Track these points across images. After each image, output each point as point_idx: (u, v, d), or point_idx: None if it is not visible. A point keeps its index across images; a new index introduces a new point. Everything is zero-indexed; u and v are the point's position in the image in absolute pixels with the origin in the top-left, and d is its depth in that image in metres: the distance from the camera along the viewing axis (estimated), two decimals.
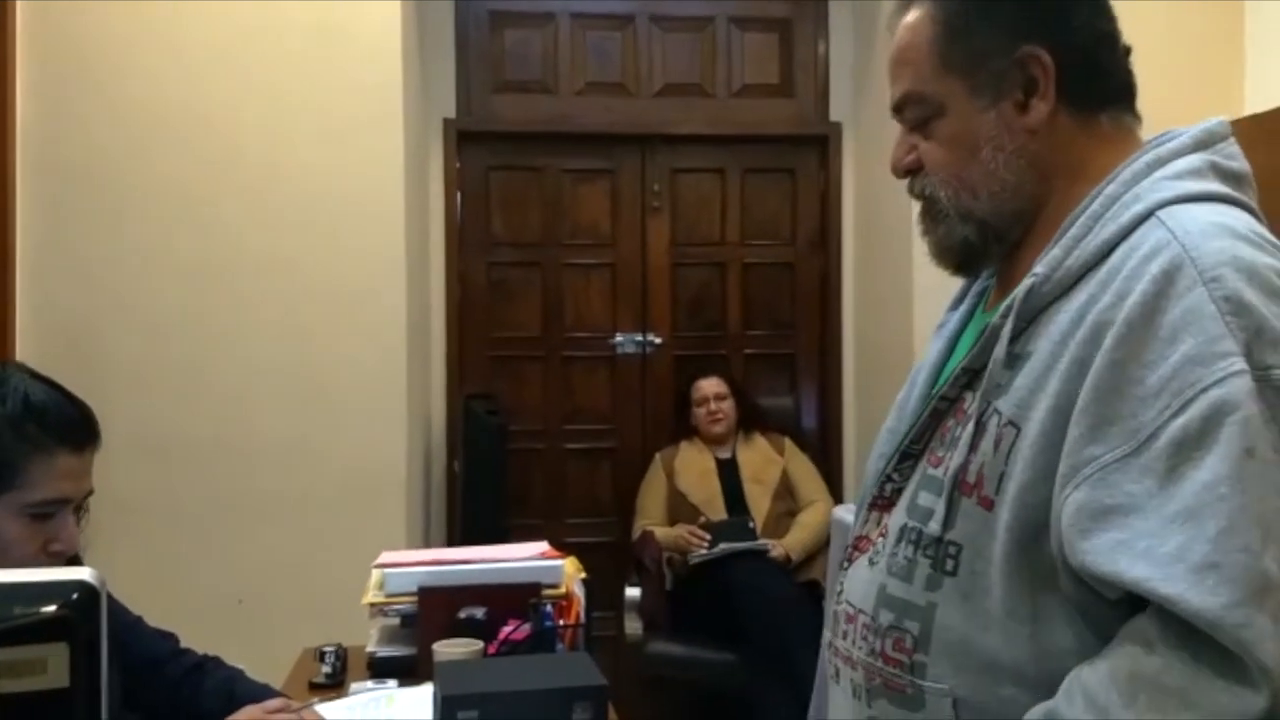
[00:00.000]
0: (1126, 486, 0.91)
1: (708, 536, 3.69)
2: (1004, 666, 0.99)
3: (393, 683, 1.90)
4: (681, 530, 3.76)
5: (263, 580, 3.31)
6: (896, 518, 1.10)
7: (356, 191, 3.41)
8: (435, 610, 1.96)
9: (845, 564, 1.18)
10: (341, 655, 2.01)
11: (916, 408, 1.17)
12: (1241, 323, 0.91)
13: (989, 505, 1.00)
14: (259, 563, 3.33)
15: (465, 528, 3.80)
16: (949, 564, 1.03)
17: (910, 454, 1.12)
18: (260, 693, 1.72)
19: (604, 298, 4.41)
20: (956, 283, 1.27)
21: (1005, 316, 1.03)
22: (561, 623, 1.94)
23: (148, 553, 3.21)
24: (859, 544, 1.16)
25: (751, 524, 3.78)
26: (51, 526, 1.37)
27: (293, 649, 2.18)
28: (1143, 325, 0.93)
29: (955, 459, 1.03)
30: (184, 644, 1.78)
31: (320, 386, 3.39)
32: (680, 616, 3.64)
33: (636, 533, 3.88)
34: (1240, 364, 0.90)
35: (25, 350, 3.17)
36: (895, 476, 1.13)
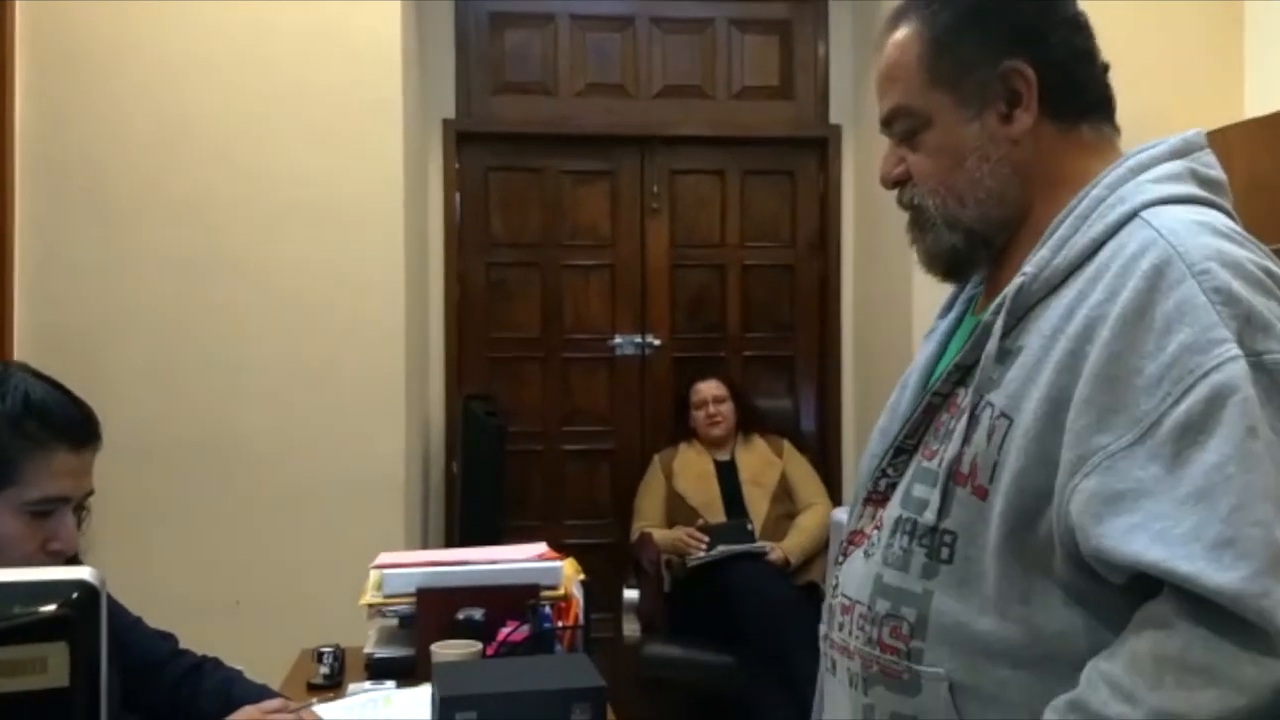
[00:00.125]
0: (1135, 473, 0.94)
1: (705, 539, 3.69)
2: (998, 650, 1.02)
3: (391, 684, 1.90)
4: (679, 532, 3.76)
5: (261, 581, 3.31)
6: (891, 510, 1.13)
7: (356, 192, 3.42)
8: (433, 611, 1.96)
9: (840, 559, 1.21)
10: (339, 656, 2.01)
11: (909, 405, 1.20)
12: (1232, 311, 0.95)
13: (983, 494, 1.04)
14: (257, 563, 3.33)
15: (464, 529, 3.80)
16: (944, 552, 1.06)
17: (904, 449, 1.16)
18: (259, 693, 1.72)
19: (603, 299, 4.41)
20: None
21: (996, 314, 1.07)
22: (560, 624, 1.94)
23: (146, 553, 3.21)
24: (854, 539, 1.20)
25: (750, 526, 3.78)
26: (50, 525, 1.37)
27: (291, 650, 2.18)
28: (1137, 318, 0.97)
29: (949, 450, 1.07)
30: (182, 645, 1.78)
31: (319, 387, 3.39)
32: (678, 618, 3.64)
33: (635, 534, 3.88)
34: (1235, 349, 0.94)
35: (23, 351, 3.17)
36: (890, 472, 1.17)
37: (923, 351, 1.26)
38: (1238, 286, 0.96)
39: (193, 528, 3.31)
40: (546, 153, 4.36)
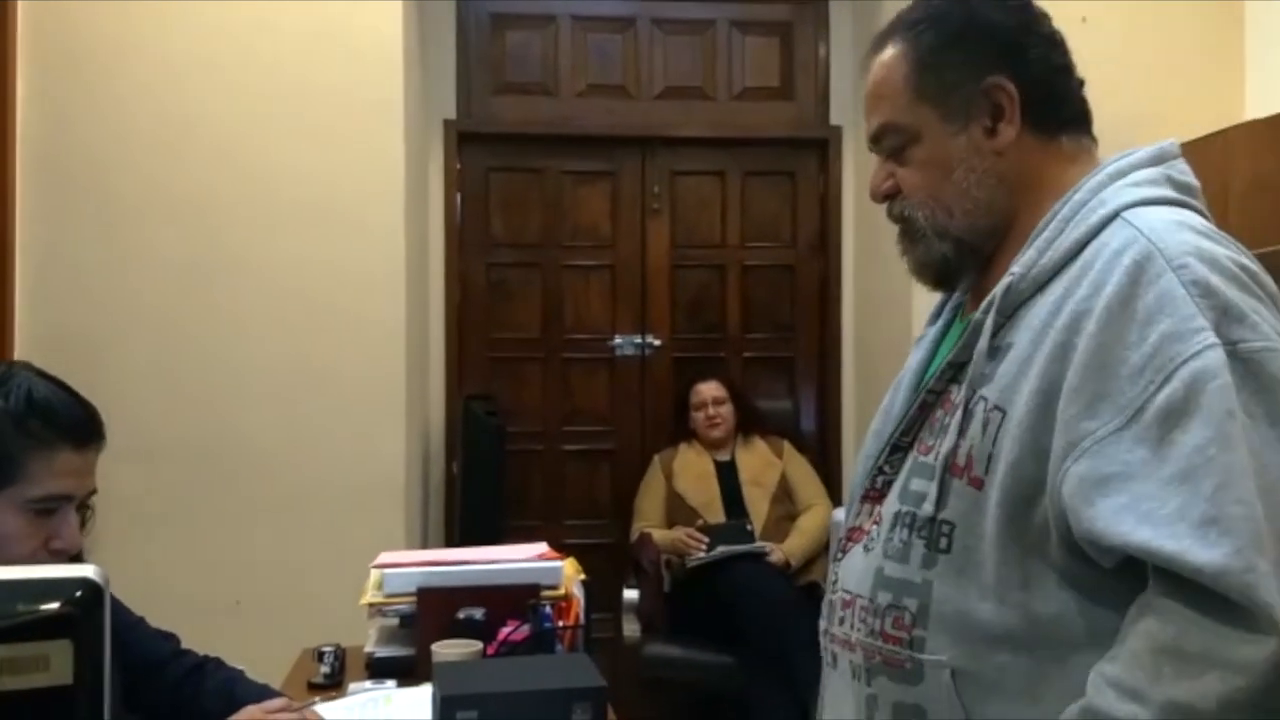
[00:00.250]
0: (1123, 456, 0.99)
1: (705, 539, 3.69)
2: (998, 635, 1.06)
3: (391, 683, 1.90)
4: (679, 533, 3.76)
5: (261, 581, 3.31)
6: (889, 506, 1.17)
7: (356, 192, 3.42)
8: (434, 611, 1.96)
9: (839, 555, 1.24)
10: (340, 656, 2.01)
11: (903, 405, 1.23)
12: (1209, 303, 1.00)
13: (979, 485, 1.08)
14: (257, 563, 3.33)
15: (464, 528, 3.80)
16: (943, 542, 1.10)
17: (900, 446, 1.20)
18: (260, 693, 1.72)
19: (603, 299, 4.41)
20: None
21: (987, 312, 1.12)
22: (560, 624, 1.95)
23: (147, 554, 3.21)
24: (852, 535, 1.23)
25: (749, 527, 3.78)
26: (53, 523, 1.38)
27: (291, 649, 2.18)
28: (1121, 310, 1.02)
29: (945, 444, 1.11)
30: (184, 645, 1.78)
31: (319, 388, 3.39)
32: (678, 619, 3.64)
33: (635, 535, 3.88)
34: (1212, 338, 0.98)
35: (25, 352, 3.17)
36: (886, 469, 1.21)
37: (914, 356, 1.30)
38: (1215, 280, 1.01)
39: (194, 527, 3.32)
40: (547, 153, 4.36)
